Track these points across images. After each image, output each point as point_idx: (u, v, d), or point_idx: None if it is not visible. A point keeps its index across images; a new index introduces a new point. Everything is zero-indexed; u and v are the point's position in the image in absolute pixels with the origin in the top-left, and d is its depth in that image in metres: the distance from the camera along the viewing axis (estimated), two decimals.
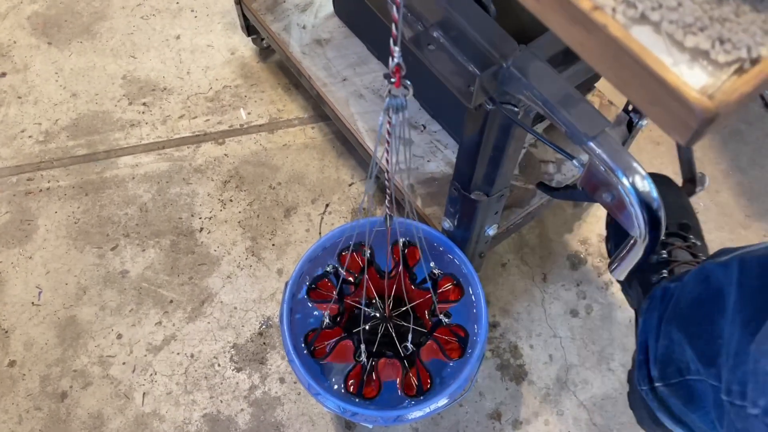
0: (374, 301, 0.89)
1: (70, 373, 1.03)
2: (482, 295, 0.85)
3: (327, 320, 0.82)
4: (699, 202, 1.22)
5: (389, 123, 0.51)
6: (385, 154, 0.54)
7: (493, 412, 1.02)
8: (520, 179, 0.99)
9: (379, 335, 0.87)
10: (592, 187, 0.55)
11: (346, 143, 1.27)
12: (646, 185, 0.51)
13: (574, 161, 0.56)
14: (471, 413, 1.01)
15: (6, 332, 1.06)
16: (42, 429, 0.98)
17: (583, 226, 1.18)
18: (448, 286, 0.85)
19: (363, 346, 0.80)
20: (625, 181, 0.51)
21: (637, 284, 0.81)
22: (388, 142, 0.52)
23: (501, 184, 0.74)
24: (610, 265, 0.61)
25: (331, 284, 0.87)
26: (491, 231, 0.87)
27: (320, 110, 1.31)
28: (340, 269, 0.87)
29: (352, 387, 0.82)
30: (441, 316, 0.80)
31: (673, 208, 0.85)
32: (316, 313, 0.87)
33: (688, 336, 0.66)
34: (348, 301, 0.88)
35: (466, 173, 0.73)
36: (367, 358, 0.82)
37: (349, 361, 0.83)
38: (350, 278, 0.88)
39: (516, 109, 0.60)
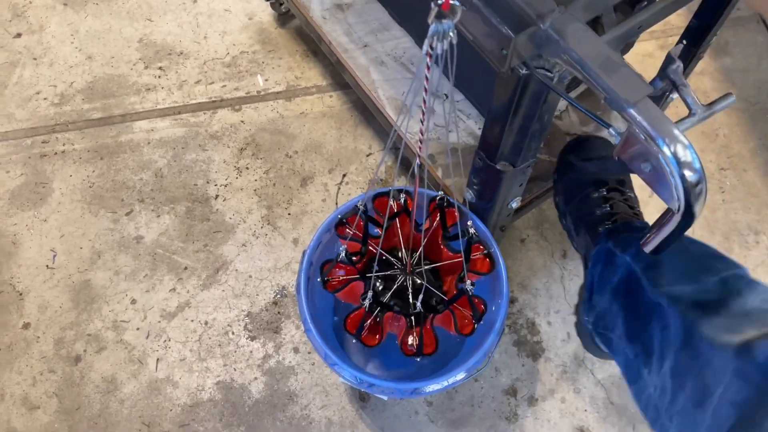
0: (400, 253, 0.86)
1: (84, 336, 1.02)
2: (504, 269, 0.83)
3: (343, 254, 0.78)
4: (725, 180, 1.19)
5: (429, 55, 0.48)
6: (422, 105, 0.51)
7: (509, 388, 1.01)
8: (543, 152, 0.97)
9: (395, 287, 0.83)
10: (629, 157, 0.52)
11: (364, 112, 1.24)
12: (688, 155, 0.48)
13: (610, 130, 0.54)
14: (486, 388, 1.00)
15: (20, 294, 1.05)
16: (56, 391, 0.98)
17: None
18: (478, 254, 0.81)
19: (370, 293, 0.77)
20: (666, 150, 0.48)
21: (585, 233, 0.89)
22: (425, 89, 0.49)
23: (528, 155, 0.72)
24: (644, 240, 0.58)
25: (362, 223, 0.84)
26: (514, 204, 0.85)
27: (339, 78, 1.28)
28: (372, 209, 0.83)
29: (350, 327, 0.79)
30: (467, 283, 0.76)
31: (613, 165, 0.91)
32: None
33: (621, 314, 0.77)
34: (372, 243, 0.83)
35: (493, 142, 0.70)
36: (376, 305, 0.79)
37: (357, 303, 0.81)
38: (380, 220, 0.84)
39: (550, 74, 0.57)
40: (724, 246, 1.12)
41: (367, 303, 0.77)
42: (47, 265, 1.08)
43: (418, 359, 0.78)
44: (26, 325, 1.03)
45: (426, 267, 0.85)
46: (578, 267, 1.10)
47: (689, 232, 1.11)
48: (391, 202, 0.81)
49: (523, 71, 0.58)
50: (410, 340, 0.79)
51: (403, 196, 0.81)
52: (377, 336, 0.80)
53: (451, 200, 0.81)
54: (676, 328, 0.66)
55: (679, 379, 0.64)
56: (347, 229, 0.82)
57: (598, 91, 0.50)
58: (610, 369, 1.02)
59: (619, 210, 0.87)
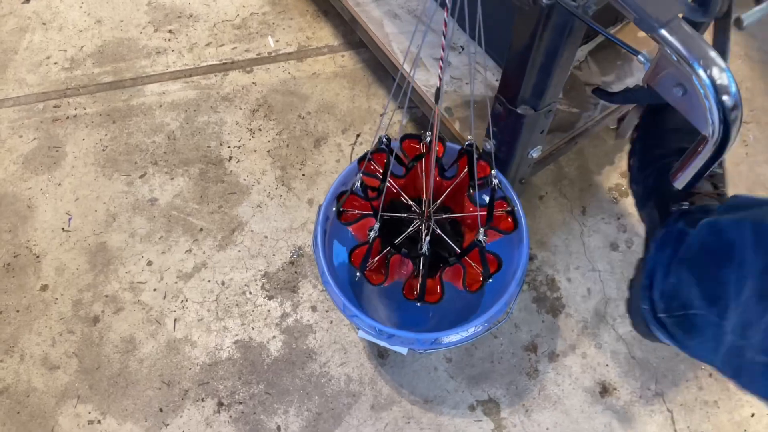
0: (424, 199, 0.81)
1: (102, 298, 1.02)
2: (524, 220, 0.82)
3: (358, 184, 0.75)
4: (749, 134, 1.17)
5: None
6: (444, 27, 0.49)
7: (529, 344, 1.00)
8: (563, 102, 0.94)
9: (408, 230, 0.80)
10: (659, 83, 0.50)
11: (377, 71, 1.22)
12: (724, 77, 0.46)
13: (639, 56, 0.52)
14: (506, 345, 0.99)
15: (37, 257, 1.05)
16: (75, 351, 0.98)
17: (624, 159, 1.13)
18: (501, 211, 0.77)
19: (377, 225, 0.73)
20: (701, 72, 0.46)
21: (653, 207, 0.81)
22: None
23: (550, 97, 0.70)
24: (671, 173, 0.56)
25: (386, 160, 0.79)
26: (535, 153, 0.83)
27: (351, 38, 1.26)
28: (399, 150, 0.79)
29: (354, 260, 0.76)
30: (480, 235, 0.73)
31: (697, 135, 0.82)
32: (350, 236, 0.85)
33: (697, 277, 0.70)
34: (392, 182, 0.79)
35: (514, 85, 0.68)
36: (386, 245, 0.75)
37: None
38: (404, 160, 0.80)
39: (575, 3, 0.55)
40: None
41: (372, 234, 0.72)
42: (63, 228, 1.08)
43: (419, 304, 0.74)
44: (44, 287, 1.03)
45: (446, 216, 0.82)
46: (598, 223, 1.08)
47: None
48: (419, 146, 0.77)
49: (546, 1, 0.56)
50: (414, 285, 0.76)
51: (429, 136, 0.76)
52: (382, 275, 0.76)
53: (486, 154, 0.78)
54: (763, 241, 0.60)
55: (765, 302, 0.59)
56: (372, 165, 0.78)
57: (627, 12, 0.48)
58: None
59: (700, 189, 0.77)
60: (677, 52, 0.47)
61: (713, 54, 0.46)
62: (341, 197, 0.77)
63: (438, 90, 0.59)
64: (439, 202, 0.82)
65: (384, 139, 0.75)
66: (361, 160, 0.78)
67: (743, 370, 0.65)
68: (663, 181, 0.80)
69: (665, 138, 0.82)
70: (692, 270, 0.71)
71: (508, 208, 0.77)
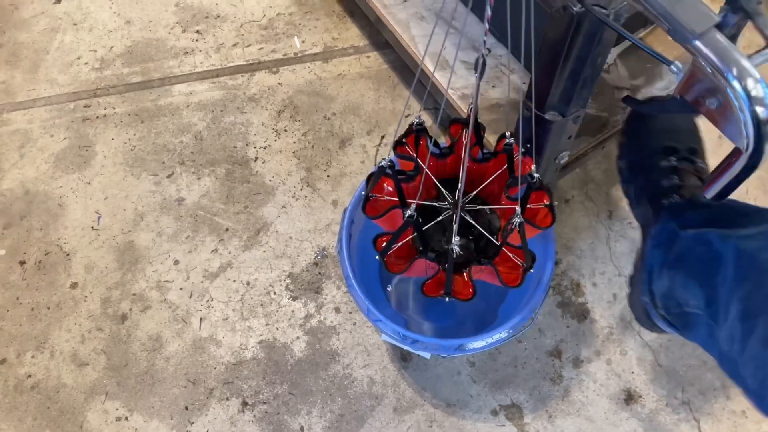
0: (459, 189, 0.75)
1: (130, 296, 1.04)
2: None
3: (385, 162, 0.69)
4: None
5: None
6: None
7: (553, 350, 0.99)
8: (592, 106, 0.93)
9: (438, 218, 0.74)
10: (692, 95, 0.49)
11: (403, 72, 1.22)
12: (760, 90, 0.45)
13: (672, 66, 0.51)
14: (530, 350, 0.99)
15: (67, 255, 1.07)
16: (104, 348, 1.00)
17: None
18: (540, 205, 0.71)
19: (414, 207, 0.66)
20: (736, 84, 0.45)
21: (646, 203, 0.84)
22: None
23: (579, 103, 0.69)
24: (706, 184, 0.56)
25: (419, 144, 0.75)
26: (563, 159, 0.82)
27: (376, 38, 1.26)
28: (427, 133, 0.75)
29: (379, 246, 0.71)
30: (517, 217, 0.64)
31: (684, 131, 0.87)
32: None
33: (690, 280, 0.73)
34: (425, 171, 0.74)
35: (542, 90, 0.68)
36: (417, 233, 0.70)
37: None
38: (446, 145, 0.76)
39: (605, 10, 0.54)
40: None
41: (408, 213, 0.65)
42: (92, 227, 1.10)
43: (447, 299, 0.70)
44: (74, 285, 1.05)
45: (479, 207, 0.76)
46: (625, 228, 1.07)
47: (742, 192, 1.07)
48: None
49: (577, 9, 0.55)
50: (435, 284, 0.72)
51: (472, 117, 0.70)
52: (402, 265, 0.72)
53: (528, 152, 0.72)
54: (744, 268, 0.63)
55: (750, 322, 0.61)
56: (407, 149, 0.74)
57: (660, 22, 0.47)
58: None
59: (688, 183, 0.80)
60: (711, 64, 0.46)
61: (748, 65, 0.45)
62: (371, 179, 0.71)
63: (479, 62, 0.55)
64: (474, 192, 0.77)
65: (415, 124, 0.71)
66: (396, 145, 0.73)
67: (738, 379, 0.67)
68: (652, 178, 0.84)
69: (651, 139, 0.85)
70: (685, 274, 0.74)
71: (548, 203, 0.70)
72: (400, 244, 0.71)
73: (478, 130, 0.73)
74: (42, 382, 0.98)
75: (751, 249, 0.64)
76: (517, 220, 0.63)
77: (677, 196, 0.80)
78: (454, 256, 0.65)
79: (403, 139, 0.74)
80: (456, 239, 0.65)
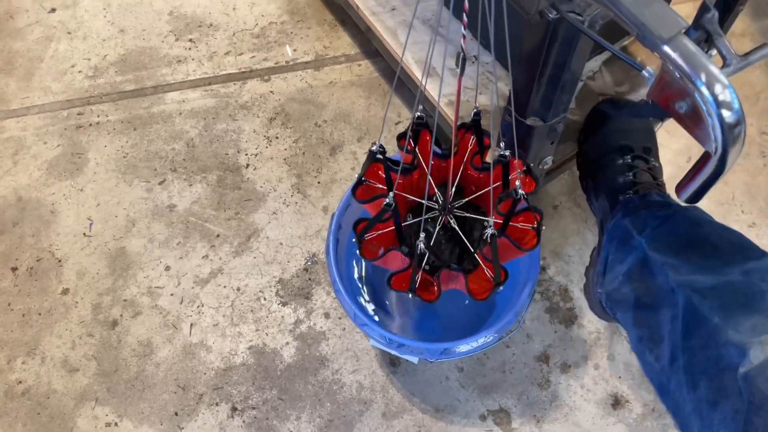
0: (452, 190, 0.76)
1: (121, 302, 1.04)
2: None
3: (375, 147, 0.69)
4: (767, 145, 1.15)
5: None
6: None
7: (541, 355, 0.99)
8: (576, 113, 0.94)
9: (423, 217, 0.74)
10: (662, 99, 0.50)
11: (392, 80, 1.23)
12: (727, 94, 0.46)
13: (644, 72, 0.52)
14: (518, 354, 0.99)
15: (59, 261, 1.08)
16: (94, 354, 1.01)
17: None
18: (528, 226, 0.70)
19: (391, 197, 0.66)
20: (704, 89, 0.46)
21: (603, 199, 0.88)
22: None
23: (559, 109, 0.70)
24: (677, 187, 0.56)
25: (381, 173, 0.74)
26: (546, 164, 0.83)
27: (367, 47, 1.27)
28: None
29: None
30: (490, 226, 0.64)
31: (639, 131, 0.91)
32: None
33: (634, 299, 0.76)
34: (399, 192, 0.73)
35: (523, 96, 0.69)
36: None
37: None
38: (407, 159, 0.75)
39: (581, 17, 0.55)
40: (766, 212, 1.08)
41: (387, 202, 0.66)
42: (84, 233, 1.10)
43: (410, 296, 0.69)
44: (65, 291, 1.06)
45: (463, 215, 0.75)
46: None
47: (728, 197, 1.08)
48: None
49: (553, 15, 0.56)
50: (404, 278, 0.70)
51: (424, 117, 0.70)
52: (376, 254, 0.71)
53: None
54: (692, 321, 0.64)
55: (693, 377, 0.63)
56: (370, 187, 0.73)
57: (629, 28, 0.48)
58: None
59: (642, 180, 0.85)
60: (680, 69, 0.47)
61: (716, 71, 0.46)
62: (359, 227, 0.70)
63: (460, 55, 0.56)
64: (466, 200, 0.77)
65: (374, 148, 0.70)
66: (355, 188, 0.73)
67: (677, 412, 0.68)
68: (609, 175, 0.88)
69: (608, 137, 0.89)
70: (629, 284, 0.77)
71: (535, 225, 0.69)
72: (380, 232, 0.71)
73: (481, 138, 0.74)
74: (32, 388, 0.99)
75: (703, 309, 0.64)
76: (489, 231, 0.63)
77: (631, 192, 0.84)
78: (419, 253, 0.65)
79: (362, 178, 0.73)
80: (422, 236, 0.65)
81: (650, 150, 0.90)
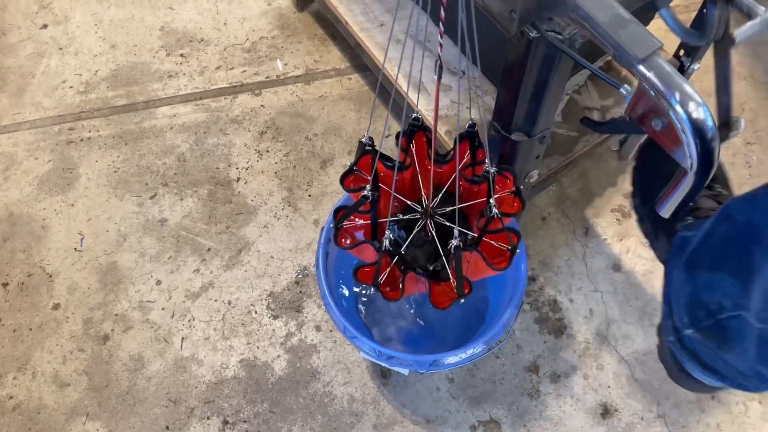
0: (436, 198, 0.77)
1: (112, 316, 1.05)
2: (522, 243, 0.83)
3: (365, 139, 0.71)
4: (752, 155, 1.17)
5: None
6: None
7: (531, 365, 1.00)
8: (562, 126, 0.96)
9: (414, 232, 0.74)
10: (639, 116, 0.52)
11: (383, 94, 1.24)
12: (701, 112, 0.47)
13: (621, 89, 0.53)
14: (508, 365, 1.00)
15: (50, 276, 1.08)
16: (85, 369, 1.01)
17: (627, 180, 1.14)
18: (506, 192, 0.70)
19: (369, 187, 0.67)
20: (678, 108, 0.47)
21: (663, 236, 0.80)
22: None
23: (543, 124, 0.71)
24: (656, 201, 0.58)
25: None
26: (532, 178, 0.84)
27: (357, 61, 1.28)
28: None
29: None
30: (454, 240, 0.65)
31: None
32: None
33: (719, 275, 0.65)
34: (384, 187, 0.74)
35: (507, 112, 0.70)
36: (394, 256, 0.69)
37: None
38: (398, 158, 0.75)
39: (561, 36, 0.57)
40: None
41: (365, 194, 0.67)
42: (75, 248, 1.11)
43: (373, 290, 0.69)
44: (56, 306, 1.06)
45: (444, 222, 0.75)
46: (601, 244, 1.09)
47: None
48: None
49: (533, 34, 0.57)
50: (368, 271, 0.71)
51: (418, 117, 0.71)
52: (351, 242, 0.72)
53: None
54: None
55: None
56: (358, 176, 0.74)
57: (607, 48, 0.49)
58: (634, 345, 1.01)
59: (703, 205, 0.77)
60: (654, 88, 0.48)
61: (690, 89, 0.48)
62: (339, 214, 0.71)
63: (437, 62, 0.58)
64: (452, 208, 0.75)
65: (365, 140, 0.72)
66: (344, 178, 0.73)
67: None
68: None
69: (664, 167, 0.80)
70: (711, 270, 0.68)
71: (513, 190, 0.71)
72: (360, 222, 0.72)
73: (474, 150, 0.74)
74: (23, 403, 0.99)
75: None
76: (453, 242, 0.63)
77: (691, 218, 0.76)
78: (383, 249, 0.66)
79: (353, 167, 0.74)
80: (388, 233, 0.65)
81: (715, 177, 0.82)
